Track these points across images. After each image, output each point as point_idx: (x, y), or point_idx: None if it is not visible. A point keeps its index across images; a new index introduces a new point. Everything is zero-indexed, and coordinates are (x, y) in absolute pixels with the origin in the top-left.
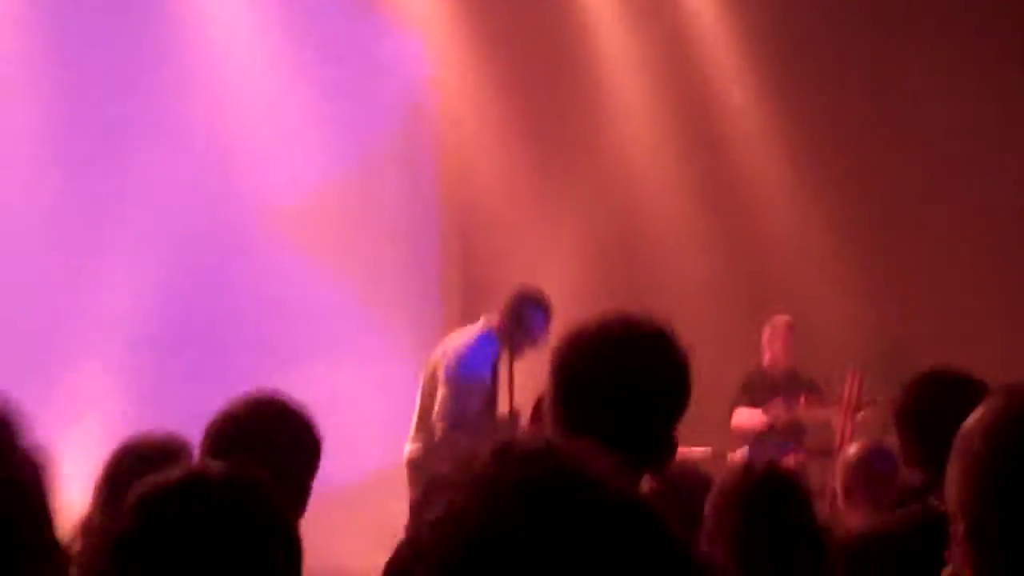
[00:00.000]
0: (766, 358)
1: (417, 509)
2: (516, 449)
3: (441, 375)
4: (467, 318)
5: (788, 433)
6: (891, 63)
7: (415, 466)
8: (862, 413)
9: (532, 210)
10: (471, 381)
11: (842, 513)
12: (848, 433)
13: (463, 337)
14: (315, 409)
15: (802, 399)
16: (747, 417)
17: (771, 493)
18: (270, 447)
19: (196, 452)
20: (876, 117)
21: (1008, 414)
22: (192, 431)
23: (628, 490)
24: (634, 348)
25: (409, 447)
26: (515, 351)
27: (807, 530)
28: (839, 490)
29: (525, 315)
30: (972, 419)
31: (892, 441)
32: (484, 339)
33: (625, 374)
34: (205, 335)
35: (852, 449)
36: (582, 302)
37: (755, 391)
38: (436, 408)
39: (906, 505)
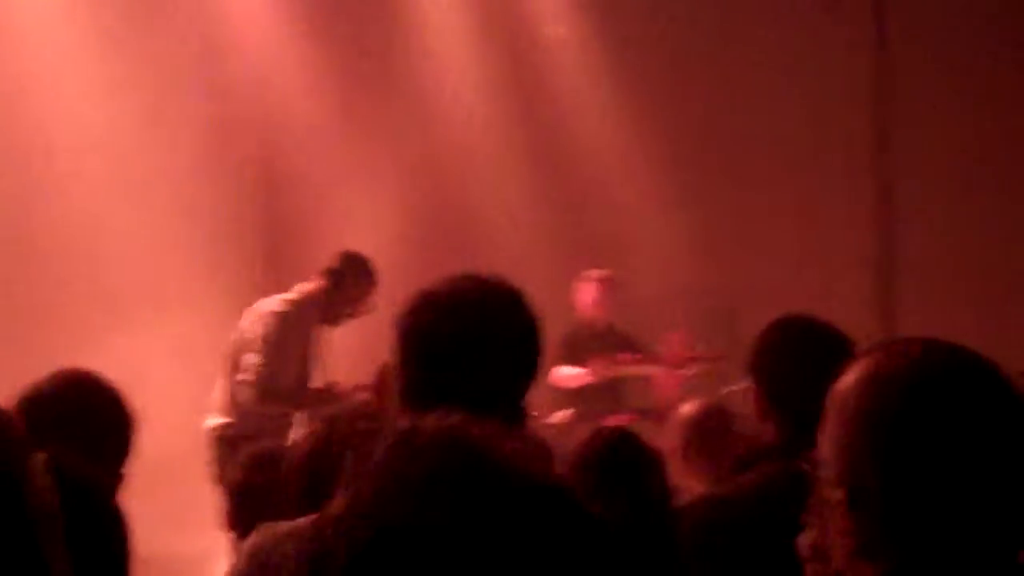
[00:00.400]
0: (581, 314)
1: (236, 487)
2: (421, 436)
3: (254, 342)
4: (272, 284)
5: (610, 391)
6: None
7: (222, 440)
8: (688, 370)
9: (341, 169)
10: (283, 349)
11: (678, 473)
12: (674, 392)
13: (275, 304)
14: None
15: (627, 357)
16: (568, 375)
17: (624, 456)
18: (84, 428)
19: None
20: (710, 75)
21: (886, 374)
22: None
23: (541, 472)
24: (488, 310)
25: (214, 421)
26: (334, 319)
27: (662, 493)
28: (676, 449)
29: (347, 282)
30: (846, 379)
31: (723, 399)
32: (298, 305)
33: (481, 337)
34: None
35: (687, 407)
36: (396, 266)
37: (574, 348)
38: (244, 376)
39: (758, 464)
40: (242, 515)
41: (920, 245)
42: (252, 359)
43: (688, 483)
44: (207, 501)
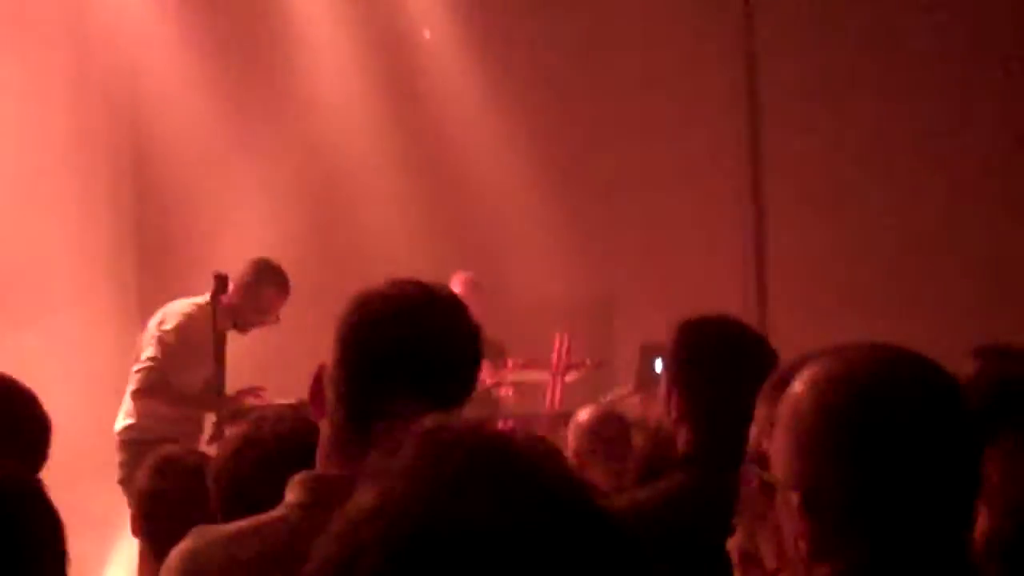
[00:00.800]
0: None
1: (145, 492)
2: (450, 434)
3: (151, 339)
4: (152, 286)
5: (486, 398)
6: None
7: (128, 443)
8: (572, 375)
9: (218, 170)
10: (180, 350)
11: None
12: (557, 398)
13: (186, 306)
14: None
15: (509, 362)
16: None
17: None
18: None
19: None
20: (587, 77)
21: (840, 377)
22: None
23: (570, 477)
24: (434, 314)
25: (123, 422)
26: (243, 327)
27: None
28: (572, 456)
29: (261, 292)
30: (799, 384)
31: (613, 404)
32: (205, 309)
33: (426, 340)
34: None
35: (583, 413)
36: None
37: None
38: (135, 367)
39: (669, 472)
40: (151, 520)
41: (790, 248)
42: (146, 352)
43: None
44: (99, 503)
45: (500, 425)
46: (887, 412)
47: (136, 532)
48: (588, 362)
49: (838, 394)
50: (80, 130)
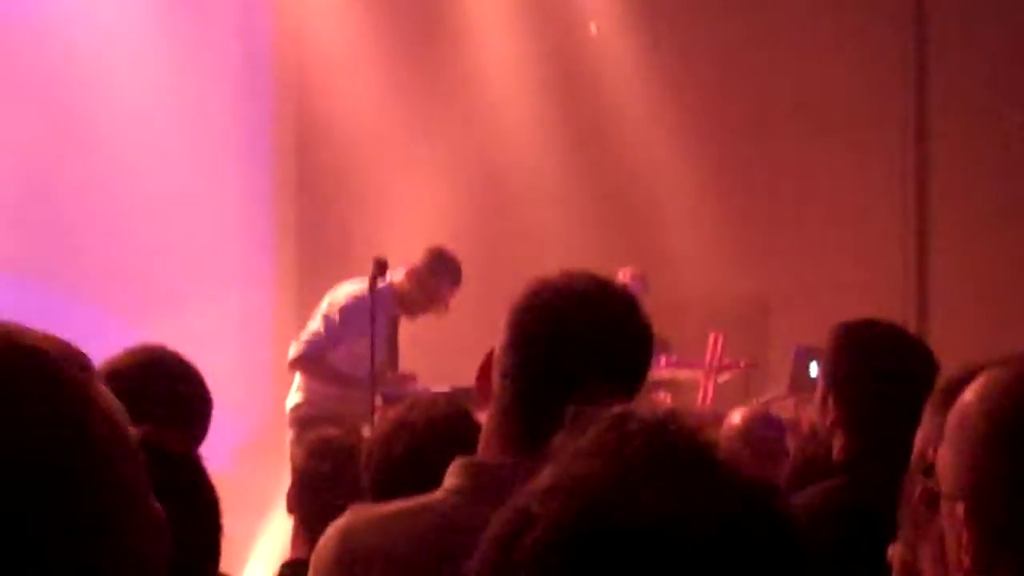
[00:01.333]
0: None
1: (301, 471)
2: (637, 419)
3: (319, 315)
4: (310, 275)
5: (643, 394)
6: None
7: (298, 420)
8: (725, 376)
9: (383, 161)
10: (345, 329)
11: None
12: (709, 397)
13: (354, 287)
14: None
15: (662, 359)
16: None
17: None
18: (164, 405)
19: None
20: (750, 75)
21: (1011, 389)
22: None
23: (752, 476)
24: (610, 308)
25: (293, 399)
26: (412, 313)
27: None
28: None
29: (434, 280)
30: (970, 394)
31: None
32: (377, 293)
33: (601, 332)
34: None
35: (737, 416)
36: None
37: None
38: (298, 337)
39: (825, 478)
40: (304, 499)
41: (953, 253)
42: (311, 326)
43: None
44: (256, 480)
45: None
46: None
47: (291, 508)
48: (742, 363)
49: (1009, 404)
50: (245, 112)
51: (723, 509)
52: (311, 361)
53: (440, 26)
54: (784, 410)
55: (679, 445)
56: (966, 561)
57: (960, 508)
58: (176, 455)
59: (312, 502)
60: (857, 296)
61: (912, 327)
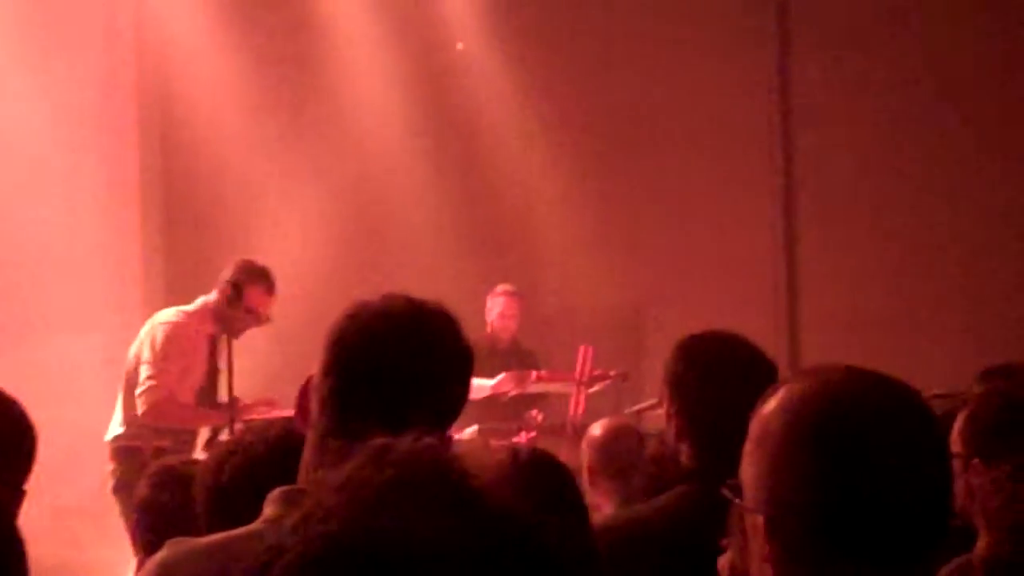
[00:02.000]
0: (488, 328)
1: (143, 503)
2: (395, 451)
3: (146, 354)
4: (174, 295)
5: (513, 408)
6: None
7: (120, 451)
8: (594, 388)
9: (254, 177)
10: (175, 362)
11: (588, 492)
12: (580, 409)
13: (170, 315)
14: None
15: (533, 373)
16: (475, 388)
17: (542, 478)
18: None
19: None
20: (614, 82)
21: (808, 401)
22: None
23: (511, 503)
24: (423, 329)
25: (114, 431)
26: (234, 330)
27: (581, 515)
28: (584, 470)
29: (248, 291)
30: (768, 405)
31: (628, 418)
32: (194, 316)
33: (413, 355)
34: None
35: (597, 428)
36: (317, 281)
37: (480, 363)
38: (139, 391)
39: (672, 486)
40: (149, 532)
41: (822, 257)
42: (145, 372)
43: (597, 503)
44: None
45: (521, 437)
46: (852, 434)
47: (134, 543)
48: (612, 373)
49: (803, 414)
50: (108, 134)
51: (465, 539)
52: (168, 405)
53: (307, 43)
54: (657, 419)
55: (430, 477)
56: (768, 572)
57: (759, 520)
58: None
59: (156, 535)
60: (730, 304)
61: (783, 335)
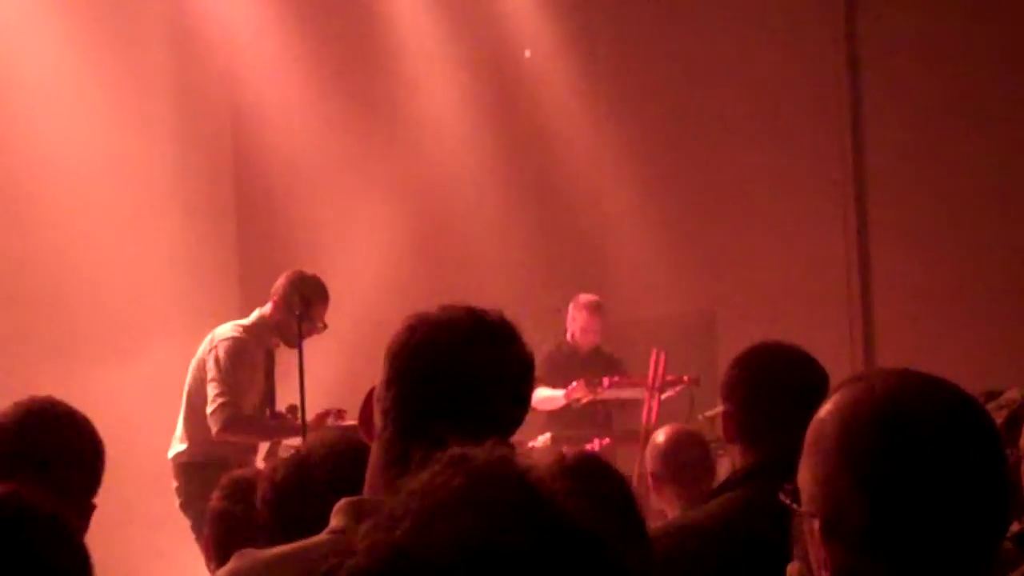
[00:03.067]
0: (569, 336)
1: (215, 515)
2: (471, 461)
3: (212, 371)
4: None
5: (591, 415)
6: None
7: (184, 468)
8: (667, 393)
9: (324, 192)
10: (238, 376)
11: (652, 499)
12: (654, 415)
13: (229, 330)
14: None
15: (605, 380)
16: (547, 398)
17: (586, 482)
18: (50, 458)
19: None
20: (687, 93)
21: (864, 405)
22: None
23: (583, 513)
24: (483, 340)
25: (176, 448)
26: (292, 341)
27: (629, 518)
28: (648, 476)
29: (316, 308)
30: (825, 409)
31: (700, 424)
32: (251, 331)
33: (474, 366)
34: None
35: (661, 434)
36: (387, 291)
37: (556, 370)
38: (210, 410)
39: (729, 489)
40: (221, 543)
41: (894, 265)
42: (213, 390)
43: (662, 508)
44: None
45: (595, 444)
46: (907, 437)
47: (207, 555)
48: (685, 379)
49: (859, 418)
50: (180, 156)
51: (533, 548)
52: (241, 422)
53: (376, 54)
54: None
55: (501, 486)
56: (825, 575)
57: (816, 525)
58: (42, 516)
59: (227, 546)
60: (803, 308)
61: (858, 339)
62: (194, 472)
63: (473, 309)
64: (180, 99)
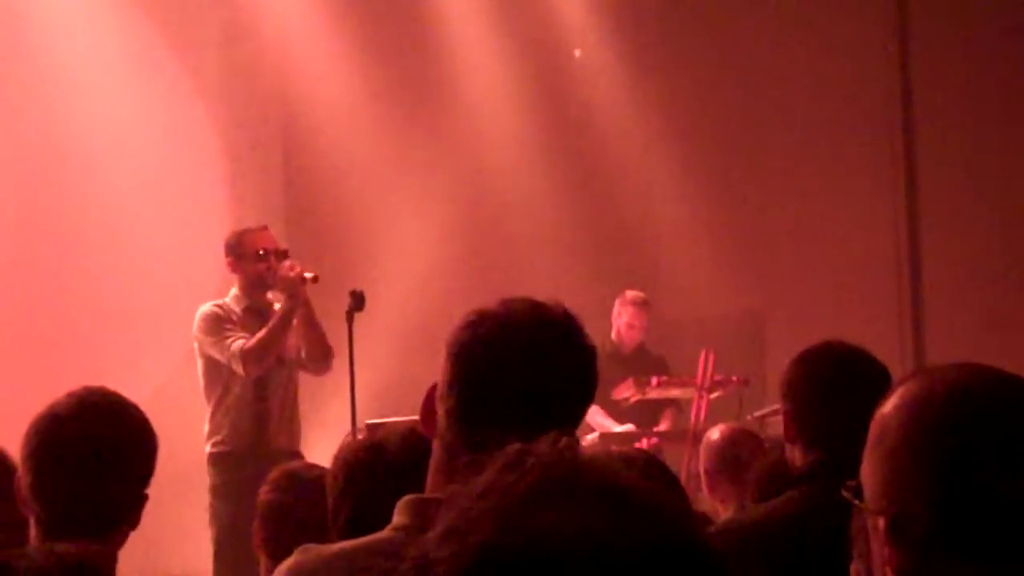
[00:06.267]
0: (613, 333)
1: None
2: (534, 455)
3: (198, 344)
4: None
5: (639, 413)
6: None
7: (211, 457)
8: (716, 393)
9: (377, 188)
10: (223, 325)
11: (704, 498)
12: (703, 414)
13: (209, 305)
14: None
15: (654, 379)
16: (601, 423)
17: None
18: (104, 449)
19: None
20: (741, 86)
21: (929, 400)
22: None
23: (657, 495)
24: (546, 334)
25: (209, 439)
26: (267, 284)
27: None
28: (702, 474)
29: (243, 245)
30: (888, 405)
31: (749, 424)
32: (229, 304)
33: (534, 365)
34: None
35: (716, 432)
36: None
37: (603, 369)
38: (225, 357)
39: (783, 490)
40: (273, 535)
41: (947, 263)
42: (209, 348)
43: (715, 507)
44: None
45: (643, 443)
46: (976, 434)
47: (258, 547)
48: (734, 379)
49: (927, 414)
50: (229, 138)
51: (622, 537)
52: (251, 346)
53: (426, 52)
54: (778, 425)
55: (574, 478)
56: (890, 573)
57: (881, 523)
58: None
59: (280, 539)
60: (853, 308)
61: (908, 338)
62: (218, 462)
63: (535, 303)
64: (231, 102)
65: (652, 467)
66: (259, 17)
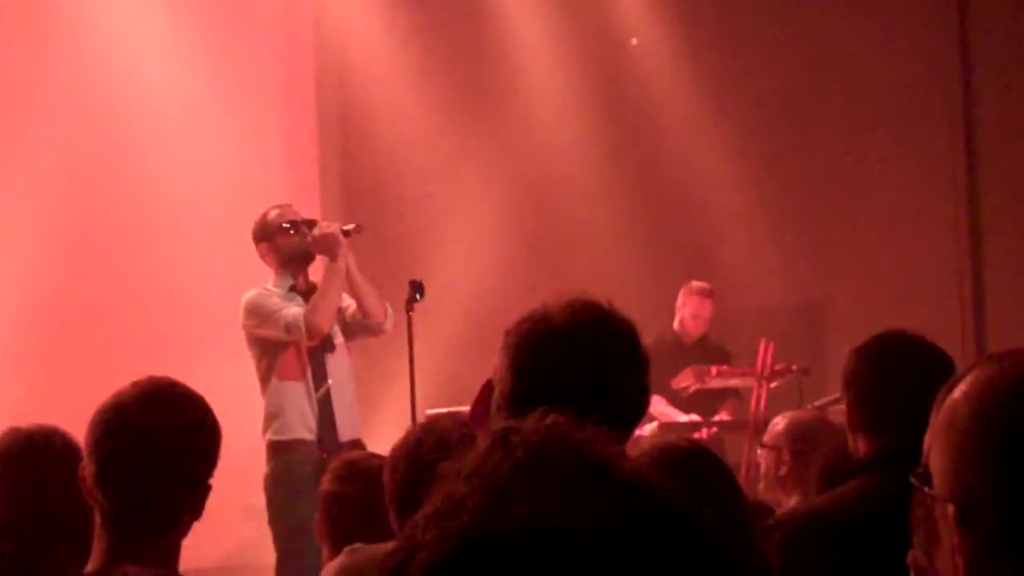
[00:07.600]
0: (676, 323)
1: (328, 497)
2: (520, 433)
3: (247, 329)
4: None
5: (699, 404)
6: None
7: (268, 446)
8: (775, 383)
9: (437, 185)
10: (272, 302)
11: (760, 489)
12: (762, 404)
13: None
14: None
15: (713, 369)
16: (663, 412)
17: (691, 471)
18: (168, 439)
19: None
20: (799, 74)
21: (1000, 386)
22: (83, 426)
23: (643, 473)
24: (603, 336)
25: (265, 427)
26: (309, 253)
27: (735, 508)
28: (767, 462)
29: (268, 223)
30: (957, 391)
31: (811, 412)
32: (271, 290)
33: (589, 365)
34: (92, 323)
35: (783, 419)
36: (496, 284)
37: (663, 359)
38: (281, 334)
39: (848, 478)
40: (334, 524)
41: (1008, 252)
42: (263, 326)
43: (778, 497)
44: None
45: (703, 432)
46: None
47: (320, 536)
48: (793, 368)
49: (998, 399)
50: (288, 131)
51: (605, 510)
52: (308, 313)
53: (483, 47)
54: (839, 414)
55: (560, 454)
56: (960, 564)
57: (950, 510)
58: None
59: (341, 528)
60: (913, 298)
61: (969, 329)
62: (276, 452)
63: (594, 304)
64: (289, 86)
65: (700, 458)
66: (317, 14)
